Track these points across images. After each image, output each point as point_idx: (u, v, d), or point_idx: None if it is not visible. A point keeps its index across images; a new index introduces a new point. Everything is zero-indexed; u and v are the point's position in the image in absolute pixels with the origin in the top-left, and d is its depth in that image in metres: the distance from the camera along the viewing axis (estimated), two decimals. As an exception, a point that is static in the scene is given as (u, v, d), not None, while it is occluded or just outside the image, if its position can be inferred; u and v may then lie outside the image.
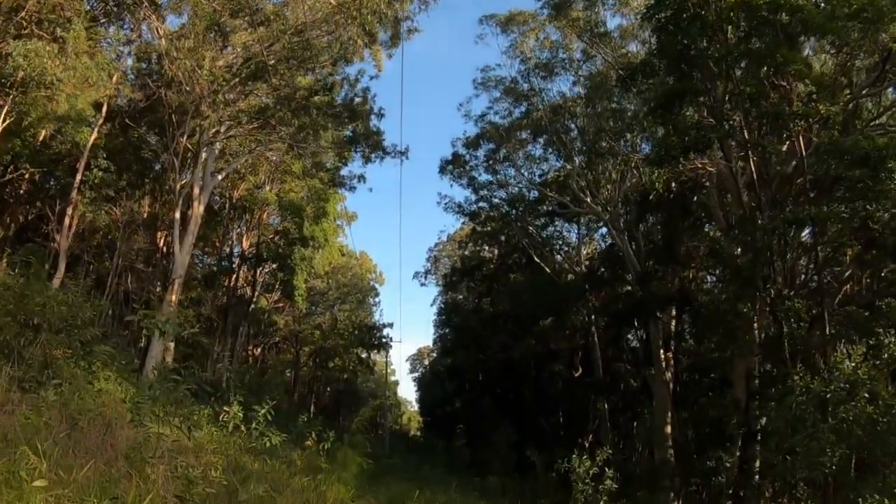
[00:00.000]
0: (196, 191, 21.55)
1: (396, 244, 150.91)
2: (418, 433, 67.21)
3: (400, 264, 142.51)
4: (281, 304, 46.61)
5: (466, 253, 43.57)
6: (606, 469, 11.24)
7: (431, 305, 79.39)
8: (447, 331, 44.14)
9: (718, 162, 17.25)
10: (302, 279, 40.29)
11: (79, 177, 20.65)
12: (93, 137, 20.58)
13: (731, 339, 15.94)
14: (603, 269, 24.59)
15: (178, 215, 21.40)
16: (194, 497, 5.68)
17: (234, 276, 39.29)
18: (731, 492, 15.86)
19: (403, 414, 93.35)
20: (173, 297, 22.41)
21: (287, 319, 47.80)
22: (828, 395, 9.94)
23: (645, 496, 16.76)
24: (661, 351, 21.50)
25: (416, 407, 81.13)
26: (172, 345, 28.10)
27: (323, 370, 59.77)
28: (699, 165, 17.87)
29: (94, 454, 5.85)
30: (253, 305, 41.72)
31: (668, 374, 21.29)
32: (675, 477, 17.45)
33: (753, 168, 14.54)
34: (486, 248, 41.69)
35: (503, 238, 37.44)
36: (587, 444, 29.04)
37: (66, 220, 21.16)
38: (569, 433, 28.44)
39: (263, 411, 9.13)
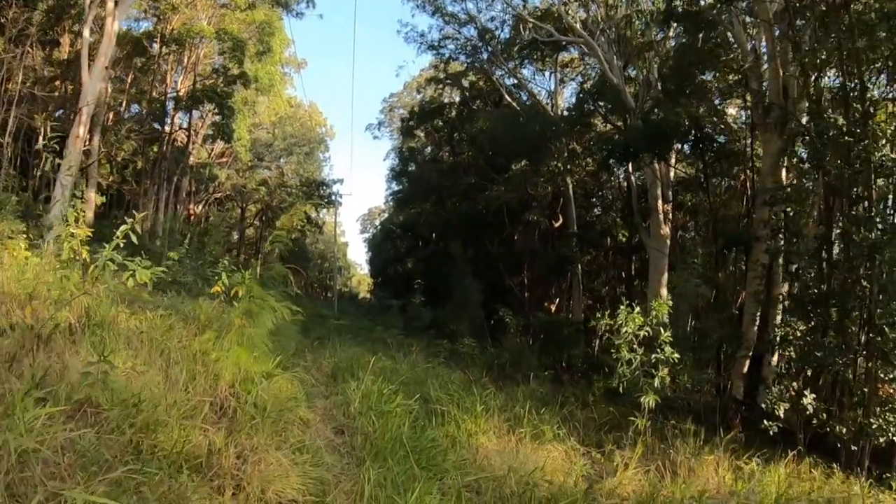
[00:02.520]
0: (110, 3, 17.55)
1: (349, 98, 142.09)
2: (368, 295, 65.29)
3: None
4: (224, 159, 43.39)
5: (425, 97, 39.32)
6: (662, 330, 7.96)
7: (384, 160, 75.53)
8: (401, 186, 40.37)
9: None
10: (244, 127, 37.11)
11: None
12: None
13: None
14: (590, 106, 20.50)
15: (86, 32, 18.19)
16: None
17: (168, 121, 34.90)
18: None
19: (353, 276, 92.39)
20: (81, 131, 18.58)
21: (230, 173, 44.74)
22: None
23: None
24: (660, 202, 18.19)
25: (366, 270, 79.17)
26: (93, 195, 24.04)
27: (270, 230, 57.64)
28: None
29: None
30: (191, 156, 37.73)
31: (667, 230, 18.13)
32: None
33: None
34: (448, 92, 37.46)
35: (467, 83, 33.22)
36: (554, 309, 26.66)
37: None
38: (534, 296, 25.78)
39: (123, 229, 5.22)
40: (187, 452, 3.77)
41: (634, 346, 8.01)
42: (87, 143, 23.89)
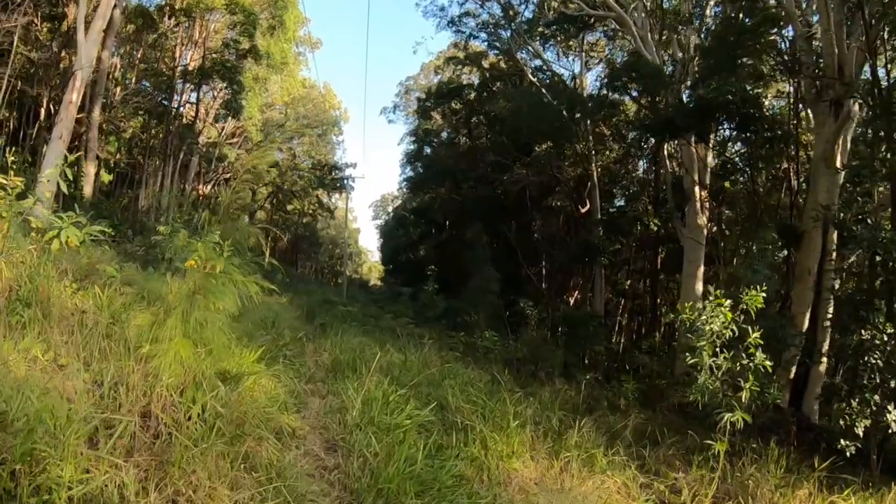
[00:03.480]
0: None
1: (363, 81, 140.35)
2: (379, 283, 64.07)
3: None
4: (235, 139, 41.74)
5: (443, 79, 37.81)
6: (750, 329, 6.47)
7: (399, 144, 74.50)
8: (415, 171, 38.97)
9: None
10: (256, 105, 36.03)
11: None
12: None
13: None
14: (620, 84, 18.82)
15: (82, -13, 16.23)
16: None
17: (177, 98, 33.76)
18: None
19: (364, 263, 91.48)
20: (74, 97, 17.42)
21: (240, 153, 43.72)
22: None
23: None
24: (697, 188, 16.65)
25: (377, 257, 78.02)
26: (92, 169, 22.89)
27: (281, 213, 57.04)
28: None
29: None
30: (201, 135, 36.75)
31: (703, 219, 16.59)
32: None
33: None
34: (467, 74, 35.95)
35: (486, 64, 31.70)
36: (573, 302, 25.17)
37: None
38: (552, 287, 24.31)
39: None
40: (86, 499, 2.43)
41: (716, 349, 6.47)
42: (87, 113, 22.72)
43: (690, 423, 8.74)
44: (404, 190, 50.39)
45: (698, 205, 16.46)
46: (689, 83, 16.55)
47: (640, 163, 20.07)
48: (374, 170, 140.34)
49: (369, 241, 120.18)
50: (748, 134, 14.14)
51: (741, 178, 16.80)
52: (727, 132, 15.80)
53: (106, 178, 29.54)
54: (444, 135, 36.83)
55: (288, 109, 48.26)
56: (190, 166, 36.91)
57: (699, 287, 15.81)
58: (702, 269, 16.13)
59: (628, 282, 25.23)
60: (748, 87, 14.79)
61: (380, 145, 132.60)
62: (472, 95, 32.49)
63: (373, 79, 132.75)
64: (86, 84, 18.57)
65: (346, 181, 49.71)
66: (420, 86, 48.07)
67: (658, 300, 22.16)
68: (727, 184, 18.04)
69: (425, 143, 35.90)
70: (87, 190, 21.47)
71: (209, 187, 43.96)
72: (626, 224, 19.48)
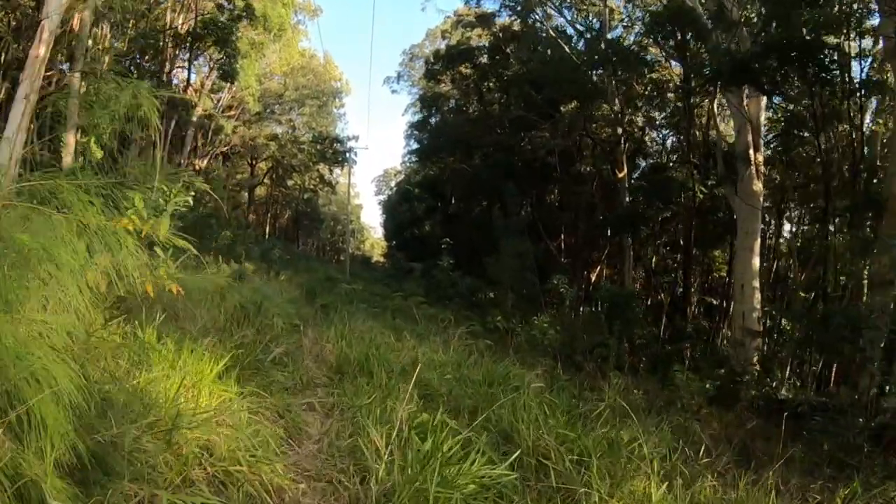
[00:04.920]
0: None
1: (366, 53, 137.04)
2: (382, 259, 62.12)
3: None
4: (232, 112, 39.61)
5: (451, 43, 35.47)
6: None
7: (403, 114, 72.64)
8: (420, 142, 36.90)
9: None
10: (252, 73, 33.99)
11: None
12: None
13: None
14: (668, 30, 16.49)
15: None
16: None
17: (168, 64, 31.55)
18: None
19: (366, 240, 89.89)
20: (41, 51, 15.08)
21: (237, 126, 41.79)
22: None
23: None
24: (752, 150, 14.52)
25: (380, 233, 76.09)
26: (73, 139, 20.82)
27: (281, 189, 55.23)
28: None
29: None
30: (196, 106, 34.68)
31: (760, 185, 14.48)
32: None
33: None
34: (476, 37, 33.61)
35: (498, 27, 29.36)
36: (593, 279, 23.11)
37: None
38: (576, 263, 22.26)
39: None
40: None
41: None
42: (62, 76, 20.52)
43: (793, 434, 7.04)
44: (408, 164, 48.32)
45: (754, 169, 14.35)
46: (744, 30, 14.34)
47: (684, 116, 17.74)
48: (377, 145, 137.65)
49: (372, 218, 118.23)
50: (825, 84, 11.94)
51: (804, 139, 14.63)
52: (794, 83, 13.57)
53: (98, 153, 27.36)
54: (453, 102, 34.69)
55: (287, 80, 45.92)
56: (185, 140, 35.06)
57: (756, 262, 13.77)
58: (758, 241, 14.09)
59: (654, 257, 23.21)
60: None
61: (382, 119, 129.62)
62: (484, 58, 30.26)
63: (376, 50, 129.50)
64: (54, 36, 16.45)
65: (348, 154, 47.63)
66: (425, 53, 45.86)
67: (690, 278, 20.17)
68: (781, 147, 15.91)
69: (432, 110, 33.66)
70: (67, 160, 19.38)
71: (205, 161, 42.07)
72: (671, 190, 17.29)
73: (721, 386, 9.07)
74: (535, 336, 9.09)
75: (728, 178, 14.97)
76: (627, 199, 19.14)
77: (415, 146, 39.52)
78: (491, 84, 29.62)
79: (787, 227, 19.92)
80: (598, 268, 24.04)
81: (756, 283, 13.44)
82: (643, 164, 21.59)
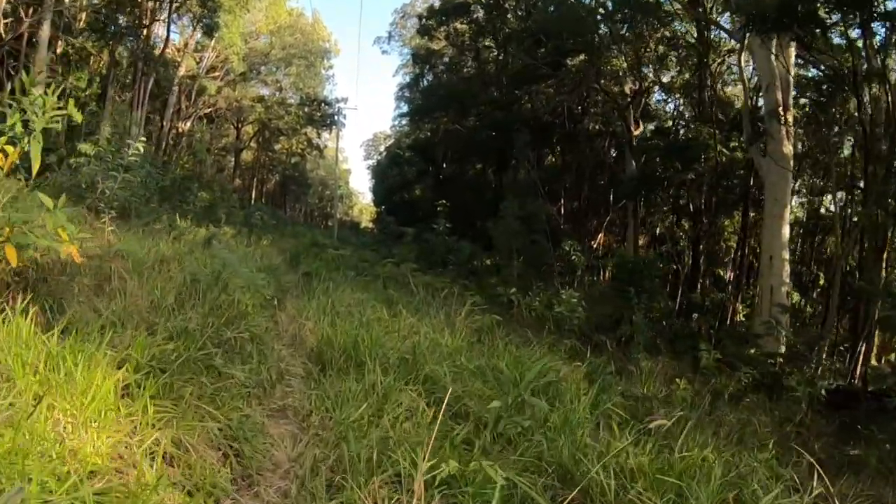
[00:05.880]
0: None
1: (355, 13, 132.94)
2: (371, 225, 60.68)
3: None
4: (216, 73, 38.28)
5: (445, -2, 33.72)
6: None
7: (394, 75, 70.31)
8: (412, 103, 35.30)
9: None
10: (237, 31, 31.82)
11: None
12: None
13: None
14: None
15: None
16: None
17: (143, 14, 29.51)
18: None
19: (355, 206, 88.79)
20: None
21: (221, 86, 39.95)
22: None
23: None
24: (781, 109, 13.18)
25: (369, 199, 74.69)
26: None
27: (268, 153, 53.75)
28: None
29: None
30: (179, 66, 32.91)
31: (790, 147, 13.18)
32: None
33: None
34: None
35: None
36: (595, 245, 21.83)
37: None
38: (577, 229, 20.95)
39: None
40: None
41: None
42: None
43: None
44: (398, 127, 46.86)
45: (784, 130, 13.02)
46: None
47: (705, 73, 16.22)
48: (366, 109, 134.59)
49: (361, 183, 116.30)
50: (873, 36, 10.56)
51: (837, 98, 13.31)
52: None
53: (78, 116, 25.49)
54: (447, 60, 33.10)
55: (273, 38, 44.04)
56: (168, 102, 33.30)
57: (786, 231, 12.55)
58: (788, 209, 12.86)
59: (658, 227, 21.95)
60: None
61: (372, 82, 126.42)
62: (481, 13, 28.63)
63: (366, 10, 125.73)
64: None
65: (336, 116, 46.05)
66: (417, 12, 44.07)
67: (701, 247, 18.97)
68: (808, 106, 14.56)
69: (425, 68, 32.00)
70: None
71: (188, 123, 40.32)
72: (693, 151, 15.83)
73: (762, 373, 7.89)
74: (561, 314, 7.80)
75: (755, 139, 13.63)
76: (639, 161, 17.71)
77: (405, 109, 38.17)
78: (487, 42, 28.15)
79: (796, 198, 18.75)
80: (598, 235, 22.80)
81: (786, 255, 12.25)
82: (650, 126, 20.17)
